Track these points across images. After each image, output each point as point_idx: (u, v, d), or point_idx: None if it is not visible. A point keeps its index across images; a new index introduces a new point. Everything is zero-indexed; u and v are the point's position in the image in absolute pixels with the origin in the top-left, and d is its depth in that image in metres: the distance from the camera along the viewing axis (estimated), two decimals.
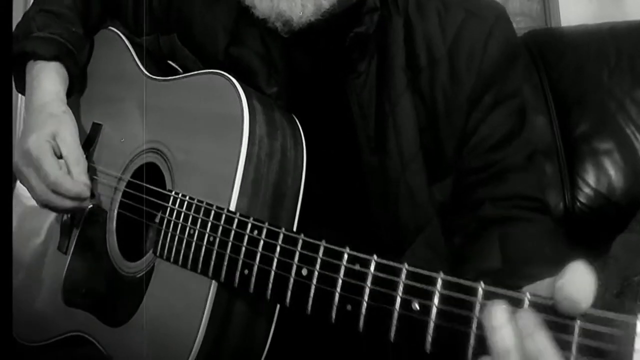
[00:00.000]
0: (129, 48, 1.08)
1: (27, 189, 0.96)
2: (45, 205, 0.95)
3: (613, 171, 1.62)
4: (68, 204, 0.94)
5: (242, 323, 0.79)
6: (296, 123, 0.90)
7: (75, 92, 1.10)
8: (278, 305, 0.81)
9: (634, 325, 0.43)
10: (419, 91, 0.89)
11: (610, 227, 1.40)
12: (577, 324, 0.46)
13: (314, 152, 0.87)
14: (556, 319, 0.47)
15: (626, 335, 0.44)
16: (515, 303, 0.49)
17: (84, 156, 0.97)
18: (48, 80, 1.04)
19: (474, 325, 0.51)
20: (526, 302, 0.49)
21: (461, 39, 0.88)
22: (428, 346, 0.54)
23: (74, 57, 1.08)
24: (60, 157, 0.95)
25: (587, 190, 1.62)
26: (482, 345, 0.50)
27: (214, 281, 0.76)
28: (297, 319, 0.82)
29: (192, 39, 1.00)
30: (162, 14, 1.07)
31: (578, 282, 0.46)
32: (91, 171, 1.02)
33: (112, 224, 0.96)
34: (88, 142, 1.06)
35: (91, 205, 0.98)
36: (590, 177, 1.62)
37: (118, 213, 0.96)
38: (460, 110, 0.88)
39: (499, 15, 0.91)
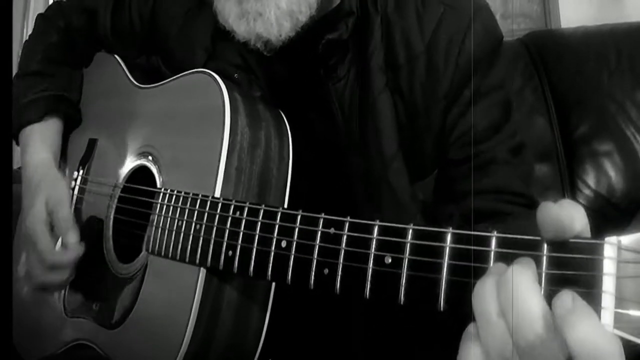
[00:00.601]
0: (120, 65, 1.11)
1: (29, 270, 0.98)
2: (44, 286, 0.98)
3: (613, 173, 1.61)
4: (66, 275, 0.96)
5: (235, 309, 0.80)
6: (281, 116, 0.90)
7: (76, 125, 1.14)
8: (272, 293, 0.82)
9: (601, 248, 0.43)
10: (399, 89, 0.88)
11: (610, 228, 1.40)
12: (544, 254, 0.46)
13: (299, 153, 0.88)
14: (523, 252, 0.47)
15: (594, 260, 0.43)
16: (483, 243, 0.49)
17: (70, 211, 0.98)
18: (31, 150, 1.08)
19: (445, 272, 0.51)
20: (493, 240, 0.49)
21: (439, 34, 0.87)
22: (401, 298, 0.54)
23: (66, 100, 1.12)
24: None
25: (587, 191, 1.62)
26: (453, 292, 0.50)
27: (202, 268, 0.77)
28: (295, 303, 0.83)
29: (173, 63, 1.02)
30: (145, 37, 1.10)
31: (567, 206, 0.45)
32: (89, 185, 1.06)
33: (109, 231, 0.98)
34: (85, 158, 1.09)
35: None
36: (590, 179, 1.62)
37: (114, 219, 0.98)
38: (439, 105, 0.87)
39: (479, 9, 0.89)
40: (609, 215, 1.60)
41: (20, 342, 1.06)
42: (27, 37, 1.21)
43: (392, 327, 0.93)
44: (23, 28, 2.44)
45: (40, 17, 1.21)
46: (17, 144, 1.14)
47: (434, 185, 0.90)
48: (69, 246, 0.94)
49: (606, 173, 1.62)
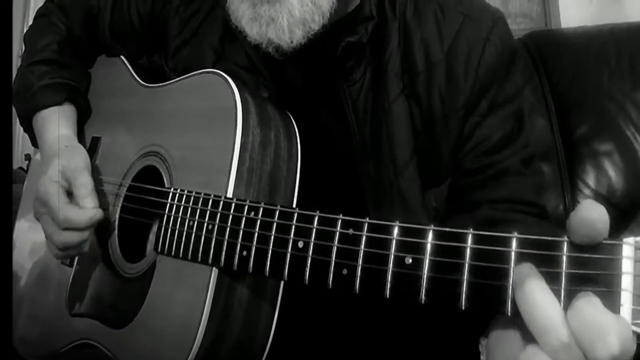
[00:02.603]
0: (125, 64, 1.11)
1: (47, 238, 0.96)
2: (65, 248, 0.94)
3: (613, 173, 1.62)
4: (84, 236, 0.93)
5: (245, 307, 0.80)
6: (289, 117, 0.90)
7: (83, 122, 1.13)
8: (281, 290, 0.82)
9: (620, 249, 0.45)
10: (416, 95, 0.89)
11: (610, 229, 1.40)
12: (564, 254, 0.47)
13: (310, 156, 0.88)
14: (543, 252, 0.48)
15: (613, 260, 0.45)
16: (504, 243, 0.50)
17: (90, 179, 0.96)
18: (50, 126, 1.06)
19: (466, 272, 0.52)
20: (514, 241, 0.50)
21: (459, 44, 0.88)
22: (422, 297, 0.55)
23: (80, 93, 1.11)
24: (70, 191, 0.96)
25: (587, 191, 1.62)
26: (475, 291, 0.51)
27: (214, 268, 0.77)
28: (303, 302, 0.84)
29: (178, 63, 1.03)
30: (145, 36, 1.10)
31: (593, 209, 0.48)
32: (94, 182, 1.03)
33: (114, 229, 0.97)
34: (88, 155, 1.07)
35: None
36: (590, 179, 1.62)
37: (120, 217, 0.97)
38: (457, 114, 0.88)
39: (496, 19, 0.91)
40: (609, 216, 1.59)
41: (23, 341, 1.06)
42: (30, 28, 1.19)
43: (402, 327, 0.93)
44: (23, 28, 2.44)
45: (43, 11, 1.20)
46: (26, 129, 1.12)
47: (447, 194, 0.91)
48: (83, 206, 0.92)
49: (606, 173, 1.62)
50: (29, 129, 1.11)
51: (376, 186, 0.90)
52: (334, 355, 0.97)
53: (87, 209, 0.91)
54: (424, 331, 0.95)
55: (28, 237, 1.13)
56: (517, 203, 0.88)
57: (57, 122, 1.06)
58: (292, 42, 0.83)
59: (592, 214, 0.47)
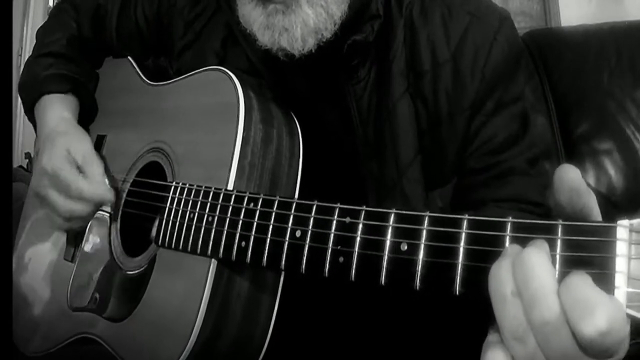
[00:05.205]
0: (132, 63, 1.12)
1: (50, 209, 0.97)
2: (70, 217, 0.96)
3: (613, 171, 1.62)
4: (92, 208, 0.95)
5: (244, 302, 0.80)
6: (291, 115, 0.91)
7: (88, 120, 1.14)
8: (281, 285, 0.82)
9: (614, 231, 0.45)
10: (421, 95, 0.89)
11: None
12: (559, 237, 0.47)
13: (312, 154, 0.88)
14: (538, 236, 0.48)
15: (607, 242, 0.45)
16: (499, 228, 0.51)
17: (100, 160, 0.98)
18: (53, 109, 1.06)
19: (461, 256, 0.52)
20: (509, 225, 0.50)
21: (465, 44, 0.88)
22: (417, 283, 0.55)
23: (85, 88, 1.12)
24: (77, 167, 0.97)
25: None
26: (469, 276, 0.52)
27: (213, 260, 0.77)
28: (302, 299, 0.84)
29: (182, 66, 1.03)
30: (151, 38, 1.10)
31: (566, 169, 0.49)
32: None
33: (117, 224, 0.98)
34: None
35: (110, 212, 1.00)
36: (590, 177, 1.62)
37: (122, 212, 0.98)
38: (463, 114, 0.88)
39: (503, 20, 0.91)
40: (608, 214, 1.59)
41: (23, 336, 1.06)
42: (43, 24, 1.20)
43: (400, 319, 0.93)
44: (23, 28, 2.44)
45: (55, 10, 1.21)
46: (29, 119, 1.12)
47: (452, 194, 0.91)
48: (95, 181, 0.95)
49: (606, 172, 1.62)
50: (32, 118, 1.11)
51: (379, 186, 0.89)
52: (333, 352, 0.97)
53: (100, 185, 0.94)
54: (423, 332, 0.95)
55: (30, 236, 1.14)
56: (522, 202, 0.87)
57: (59, 108, 1.06)
58: (303, 50, 0.83)
59: (577, 174, 0.48)
